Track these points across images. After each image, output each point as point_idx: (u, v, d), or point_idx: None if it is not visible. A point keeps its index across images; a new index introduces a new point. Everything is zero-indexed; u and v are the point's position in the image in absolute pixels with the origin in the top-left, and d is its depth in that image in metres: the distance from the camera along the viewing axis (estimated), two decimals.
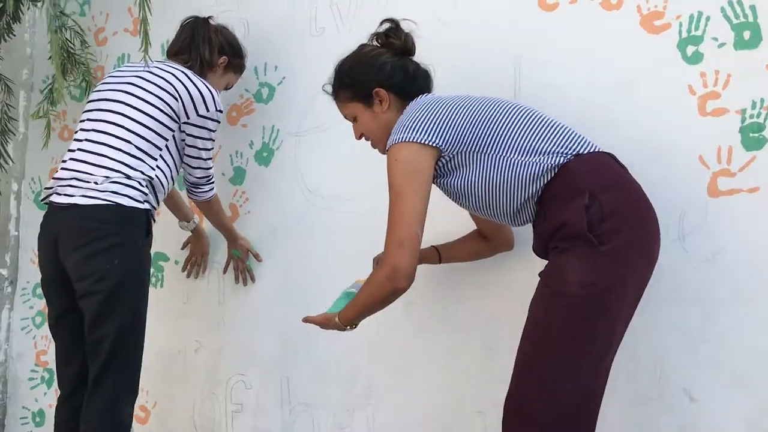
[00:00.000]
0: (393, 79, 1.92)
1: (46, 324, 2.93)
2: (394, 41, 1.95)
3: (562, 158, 1.73)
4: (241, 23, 2.69)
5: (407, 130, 1.75)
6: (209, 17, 2.46)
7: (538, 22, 2.20)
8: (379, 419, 2.33)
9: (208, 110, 2.26)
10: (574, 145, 1.76)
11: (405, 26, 1.97)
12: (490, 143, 1.75)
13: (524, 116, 1.80)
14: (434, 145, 1.74)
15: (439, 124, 1.75)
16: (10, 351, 3.01)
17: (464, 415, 2.20)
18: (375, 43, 1.99)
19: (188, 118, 2.24)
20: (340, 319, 1.87)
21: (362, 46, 2.01)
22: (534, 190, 1.74)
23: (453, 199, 1.88)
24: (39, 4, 2.87)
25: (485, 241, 2.14)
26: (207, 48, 2.36)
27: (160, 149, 2.20)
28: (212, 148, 2.37)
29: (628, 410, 2.02)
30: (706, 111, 2.02)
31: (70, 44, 2.87)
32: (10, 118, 2.91)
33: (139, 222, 2.13)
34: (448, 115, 1.77)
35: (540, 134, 1.76)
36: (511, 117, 1.79)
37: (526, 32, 2.22)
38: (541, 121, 1.80)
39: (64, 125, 3.02)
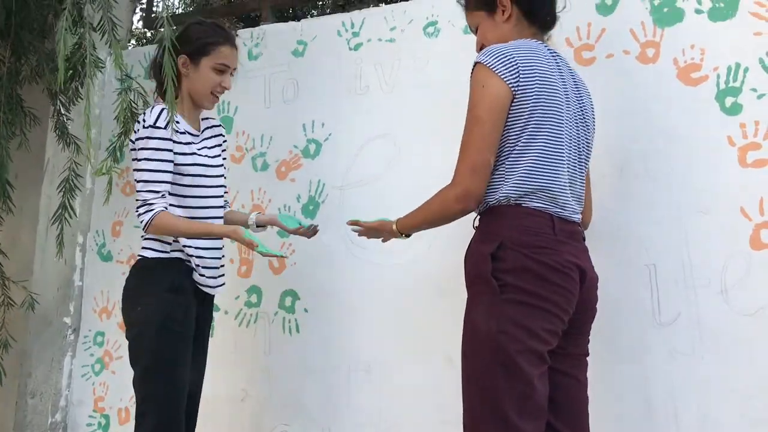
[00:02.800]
0: None
1: (105, 371, 3.08)
2: None
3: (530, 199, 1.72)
4: (291, 83, 2.81)
5: (510, 64, 1.70)
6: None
7: None
8: None
9: (136, 131, 2.19)
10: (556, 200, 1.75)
11: None
12: (524, 143, 1.72)
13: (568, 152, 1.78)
14: (516, 97, 1.70)
15: (535, 88, 1.71)
16: (71, 397, 3.13)
17: None
18: None
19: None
20: (398, 226, 1.90)
21: None
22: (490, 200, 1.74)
23: None
24: (104, 70, 3.07)
25: None
26: (157, 70, 2.26)
27: None
28: (147, 169, 2.14)
29: None
30: (747, 162, 2.00)
31: (134, 104, 3.05)
32: (78, 175, 3.09)
33: (164, 271, 2.20)
34: (542, 89, 1.72)
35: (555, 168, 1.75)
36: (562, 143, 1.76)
37: None
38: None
39: (127, 181, 3.18)
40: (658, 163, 2.11)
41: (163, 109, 2.15)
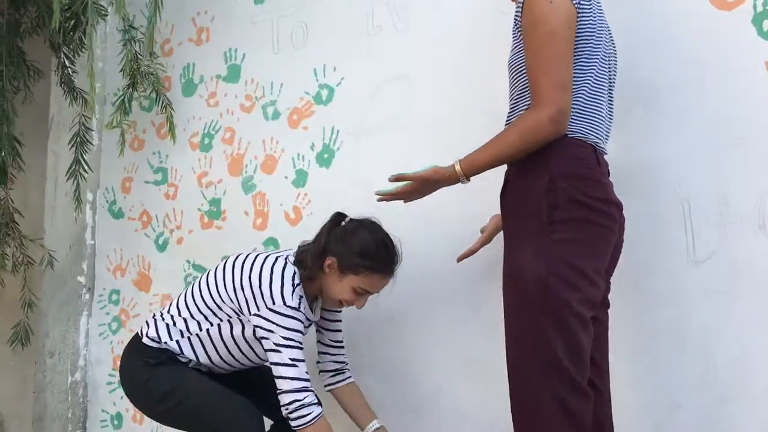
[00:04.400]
0: None
1: (122, 329, 3.05)
2: None
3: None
4: (300, 26, 2.71)
5: None
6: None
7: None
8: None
9: (272, 296, 2.04)
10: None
11: None
12: (580, 69, 1.66)
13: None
14: (579, 17, 1.63)
15: (593, 11, 1.66)
16: (89, 356, 3.10)
17: None
18: None
19: None
20: (462, 167, 1.70)
21: None
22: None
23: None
24: (107, 18, 2.97)
25: None
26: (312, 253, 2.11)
27: None
28: (293, 353, 1.98)
29: (707, 410, 1.90)
30: None
31: (139, 56, 2.95)
32: (88, 129, 3.01)
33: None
34: (596, 14, 1.68)
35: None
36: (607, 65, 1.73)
37: None
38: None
39: (135, 135, 3.10)
40: (688, 95, 2.00)
41: (302, 297, 2.01)
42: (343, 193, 2.49)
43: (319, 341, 2.25)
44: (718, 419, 1.90)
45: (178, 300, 2.17)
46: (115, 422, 3.02)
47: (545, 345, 1.55)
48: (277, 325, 1.95)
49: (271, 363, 1.97)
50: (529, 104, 1.66)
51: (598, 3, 1.73)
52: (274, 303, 1.96)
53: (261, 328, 1.97)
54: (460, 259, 2.12)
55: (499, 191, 1.78)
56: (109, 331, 3.08)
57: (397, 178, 1.84)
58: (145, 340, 2.12)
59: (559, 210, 1.58)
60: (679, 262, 1.97)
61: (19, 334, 2.98)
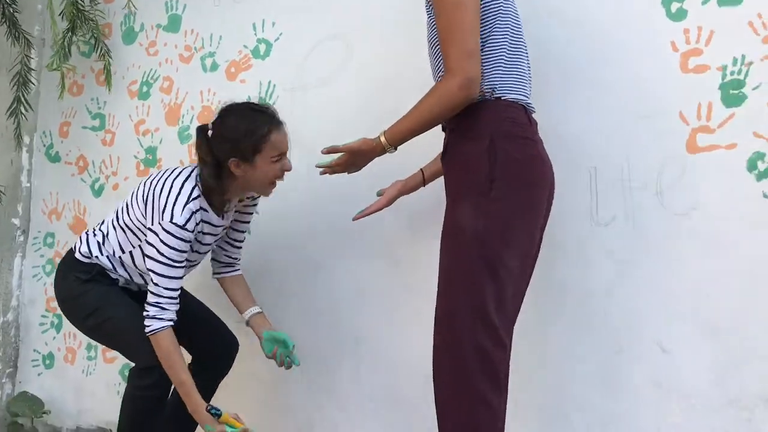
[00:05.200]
0: None
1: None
2: None
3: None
4: None
5: None
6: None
7: None
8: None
9: (162, 212, 2.13)
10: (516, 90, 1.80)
11: None
12: (498, 33, 1.76)
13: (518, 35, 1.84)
14: None
15: None
16: (22, 297, 3.15)
17: None
18: None
19: None
20: (387, 138, 1.80)
21: None
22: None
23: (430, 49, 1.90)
24: None
25: None
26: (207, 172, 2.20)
27: None
28: (169, 264, 2.09)
29: (604, 361, 2.07)
30: (688, 68, 2.03)
31: (79, 1, 2.95)
32: (30, 69, 3.01)
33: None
34: None
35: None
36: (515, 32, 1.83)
37: None
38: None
39: (74, 80, 3.11)
40: (602, 69, 2.13)
41: (194, 213, 2.07)
42: None
43: (221, 242, 2.35)
44: (612, 368, 2.07)
45: (110, 218, 2.27)
46: (47, 362, 3.08)
47: (476, 296, 1.67)
48: (160, 239, 2.06)
49: (148, 269, 2.09)
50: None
51: None
52: (162, 218, 2.06)
53: (147, 241, 2.08)
54: (355, 219, 2.15)
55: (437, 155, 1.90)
56: (42, 273, 3.13)
57: (329, 150, 1.92)
58: (77, 255, 2.23)
59: (500, 168, 1.69)
60: (584, 224, 2.12)
61: None
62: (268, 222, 2.57)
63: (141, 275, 2.25)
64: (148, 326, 2.06)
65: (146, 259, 2.09)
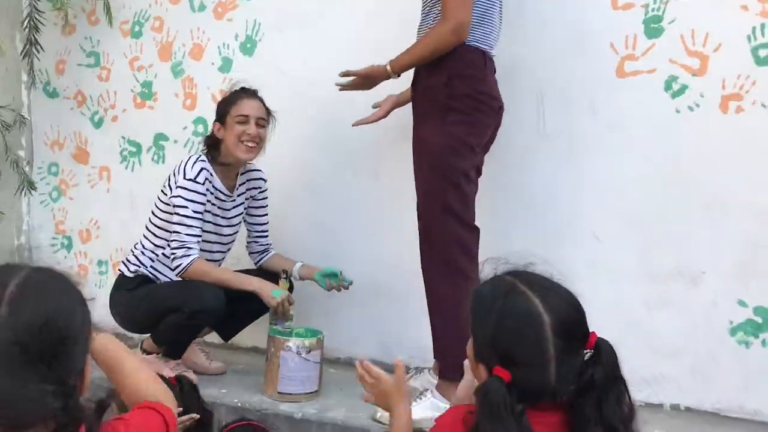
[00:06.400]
0: None
1: (62, 198, 3.41)
2: None
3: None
4: None
5: None
6: None
7: None
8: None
9: (175, 176, 2.51)
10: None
11: None
12: None
13: None
14: None
15: None
16: (32, 222, 3.46)
17: None
18: None
19: None
20: (391, 67, 2.22)
21: None
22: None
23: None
24: None
25: None
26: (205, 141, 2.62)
27: None
28: (188, 215, 2.46)
29: (546, 247, 2.52)
30: (618, 5, 2.44)
31: None
32: (39, 11, 3.25)
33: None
34: None
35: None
36: None
37: None
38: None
39: (67, 20, 3.34)
40: (545, 7, 2.52)
41: (203, 169, 2.47)
42: (265, 80, 2.87)
43: (248, 230, 2.77)
44: (556, 254, 2.53)
45: (143, 233, 2.63)
46: None
47: (443, 196, 2.14)
48: (179, 196, 2.45)
49: (173, 223, 2.47)
50: (434, 17, 2.15)
51: None
52: (177, 180, 2.48)
53: (173, 202, 2.46)
54: (355, 125, 2.55)
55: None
56: (49, 200, 3.44)
57: (345, 74, 2.35)
58: (125, 272, 2.60)
59: (454, 100, 2.13)
60: (532, 137, 2.55)
61: None
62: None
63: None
64: (180, 265, 2.43)
65: (174, 215, 2.46)
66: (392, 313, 2.76)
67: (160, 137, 3.17)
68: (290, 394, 2.35)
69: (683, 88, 2.36)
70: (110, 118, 3.29)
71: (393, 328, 2.75)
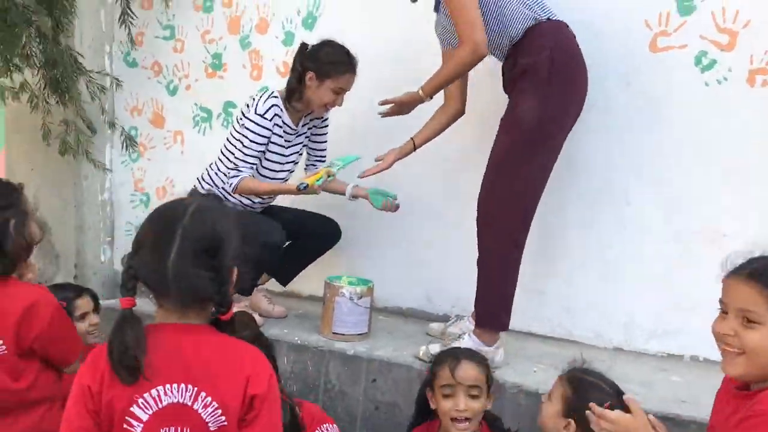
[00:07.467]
0: None
1: (141, 158, 3.76)
2: None
3: (536, 20, 2.36)
4: None
5: None
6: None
7: None
8: None
9: (248, 107, 2.80)
10: (545, 12, 2.40)
11: None
12: None
13: None
14: None
15: None
16: (114, 179, 3.82)
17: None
18: None
19: None
20: (423, 91, 2.43)
21: None
22: (515, 33, 2.35)
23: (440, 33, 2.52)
24: None
25: (448, 108, 2.72)
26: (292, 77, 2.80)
27: None
28: (247, 146, 2.75)
29: (582, 209, 2.75)
30: None
31: None
32: None
33: None
34: None
35: None
36: None
37: None
38: None
39: None
40: None
41: (273, 105, 2.72)
42: None
43: (308, 154, 3.04)
44: (591, 219, 2.76)
45: (218, 156, 2.92)
46: None
47: (527, 162, 2.34)
48: (246, 127, 2.74)
49: (237, 149, 2.77)
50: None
51: None
52: (247, 114, 2.75)
53: (241, 131, 2.74)
54: (362, 177, 2.77)
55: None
56: (129, 160, 3.79)
57: (384, 102, 2.58)
58: (199, 189, 2.90)
59: (554, 73, 2.29)
60: None
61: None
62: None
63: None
64: (231, 184, 2.74)
65: (238, 144, 2.75)
66: (434, 265, 3.05)
67: (228, 105, 3.47)
68: (343, 334, 2.65)
69: (712, 63, 2.54)
70: (184, 86, 3.60)
71: (434, 279, 3.04)
